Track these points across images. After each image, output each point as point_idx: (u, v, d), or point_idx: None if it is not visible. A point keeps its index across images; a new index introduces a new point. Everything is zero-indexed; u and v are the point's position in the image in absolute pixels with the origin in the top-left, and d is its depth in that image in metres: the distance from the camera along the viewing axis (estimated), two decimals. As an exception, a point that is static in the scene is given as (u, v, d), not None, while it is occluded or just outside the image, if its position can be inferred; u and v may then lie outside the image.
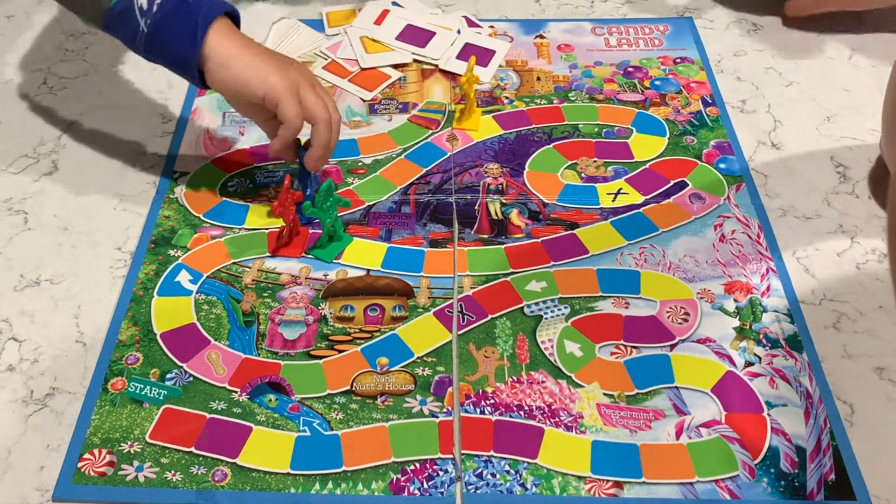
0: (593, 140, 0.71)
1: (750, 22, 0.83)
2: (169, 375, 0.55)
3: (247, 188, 0.67)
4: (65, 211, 0.65)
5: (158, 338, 0.57)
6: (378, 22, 0.81)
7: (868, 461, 0.50)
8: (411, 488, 0.49)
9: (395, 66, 0.78)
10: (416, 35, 0.80)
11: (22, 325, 0.58)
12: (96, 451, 0.51)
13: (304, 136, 0.71)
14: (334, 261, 0.61)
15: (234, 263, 0.61)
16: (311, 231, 0.63)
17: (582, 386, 0.54)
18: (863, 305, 0.59)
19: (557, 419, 0.52)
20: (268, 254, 0.61)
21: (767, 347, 0.56)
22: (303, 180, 0.63)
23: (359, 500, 0.49)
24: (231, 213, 0.65)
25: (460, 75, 0.76)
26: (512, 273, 0.60)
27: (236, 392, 0.54)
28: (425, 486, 0.49)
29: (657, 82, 0.76)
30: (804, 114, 0.73)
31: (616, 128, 0.72)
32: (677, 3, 0.85)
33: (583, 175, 0.68)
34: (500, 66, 0.77)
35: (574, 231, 0.63)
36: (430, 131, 0.72)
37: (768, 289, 0.59)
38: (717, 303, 0.58)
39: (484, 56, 0.78)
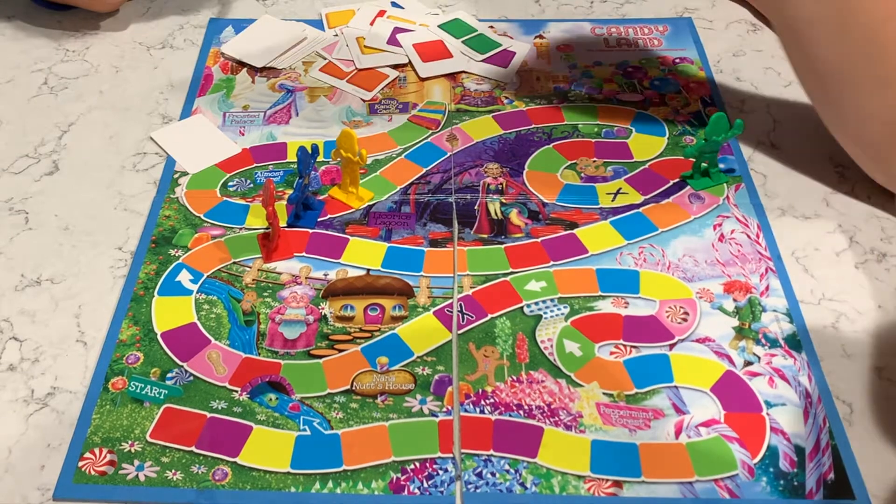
0: (593, 140, 0.71)
1: (749, 22, 0.83)
2: (169, 375, 0.55)
3: (247, 188, 0.67)
4: (65, 211, 0.65)
5: (159, 337, 0.57)
6: (373, 23, 0.82)
7: (867, 461, 0.51)
8: (411, 487, 0.49)
9: (395, 67, 0.78)
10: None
11: (23, 325, 0.58)
12: (97, 451, 0.51)
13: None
14: (336, 261, 0.61)
15: (234, 263, 0.61)
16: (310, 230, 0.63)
17: (581, 385, 0.54)
18: (862, 305, 0.59)
19: (557, 418, 0.52)
20: (264, 259, 0.62)
21: (766, 347, 0.56)
22: (302, 179, 0.63)
23: (359, 499, 0.49)
24: (231, 212, 0.65)
25: (461, 73, 0.76)
26: (512, 273, 0.61)
27: (237, 391, 0.54)
28: (425, 485, 0.49)
29: (656, 82, 0.76)
30: (803, 114, 0.73)
31: (616, 128, 0.72)
32: (676, 4, 0.85)
33: (582, 175, 0.68)
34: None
35: (573, 231, 0.63)
36: (430, 131, 0.72)
37: (767, 288, 0.59)
38: (717, 302, 0.59)
39: (504, 58, 0.78)
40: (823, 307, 0.59)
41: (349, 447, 0.51)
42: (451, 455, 0.51)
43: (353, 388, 0.54)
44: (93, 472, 0.50)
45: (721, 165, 0.67)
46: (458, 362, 0.55)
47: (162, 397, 0.53)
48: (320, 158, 0.68)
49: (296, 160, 0.66)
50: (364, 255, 0.62)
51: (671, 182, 0.67)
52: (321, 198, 0.66)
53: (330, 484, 0.49)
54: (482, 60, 0.78)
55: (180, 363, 0.55)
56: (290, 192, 0.65)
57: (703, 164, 0.65)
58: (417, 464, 0.50)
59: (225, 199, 0.66)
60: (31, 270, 0.61)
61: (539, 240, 0.63)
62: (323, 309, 0.58)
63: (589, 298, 0.59)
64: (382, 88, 0.76)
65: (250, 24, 0.82)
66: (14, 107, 0.75)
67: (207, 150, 0.70)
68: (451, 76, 0.77)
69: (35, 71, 0.78)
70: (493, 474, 0.50)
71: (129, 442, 0.51)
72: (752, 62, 0.78)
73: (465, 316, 0.58)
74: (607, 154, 0.69)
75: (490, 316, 0.58)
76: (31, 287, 0.60)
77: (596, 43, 0.80)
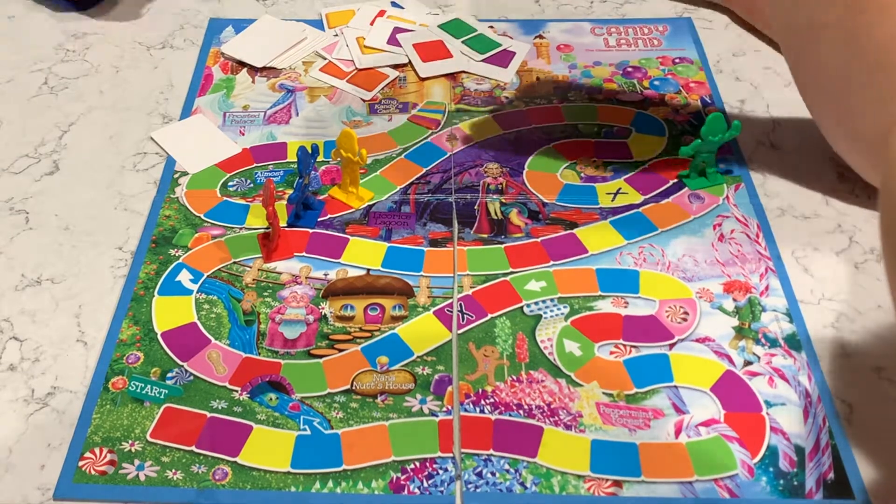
0: (593, 140, 0.71)
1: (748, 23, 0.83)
2: (169, 374, 0.55)
3: (247, 188, 0.67)
4: (66, 211, 0.65)
5: (159, 337, 0.57)
6: (373, 23, 0.82)
7: (867, 460, 0.51)
8: (411, 487, 0.49)
9: (395, 67, 0.78)
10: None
11: (23, 325, 0.58)
12: (97, 450, 0.51)
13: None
14: (338, 260, 0.61)
15: (234, 263, 0.61)
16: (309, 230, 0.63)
17: (581, 385, 0.54)
18: (861, 305, 0.59)
19: (557, 418, 0.52)
20: (264, 259, 0.62)
21: (766, 347, 0.56)
22: (302, 179, 0.63)
23: (359, 498, 0.49)
24: (231, 212, 0.65)
25: (460, 72, 0.77)
26: (511, 272, 0.61)
27: (237, 391, 0.54)
28: (425, 484, 0.49)
29: (656, 82, 0.76)
30: (803, 114, 0.73)
31: (615, 128, 0.72)
32: (676, 3, 0.85)
33: (582, 175, 0.68)
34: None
35: (573, 231, 0.63)
36: (430, 131, 0.72)
37: (767, 288, 0.59)
38: (716, 302, 0.59)
39: (504, 58, 0.78)
40: (823, 307, 0.59)
41: (349, 447, 0.51)
42: (451, 455, 0.51)
43: (353, 387, 0.54)
44: (93, 472, 0.50)
45: (721, 166, 0.67)
46: (458, 362, 0.55)
47: (162, 397, 0.54)
48: (320, 158, 0.68)
49: (296, 160, 0.66)
50: (364, 254, 0.62)
51: (671, 182, 0.67)
52: (321, 198, 0.66)
53: (330, 483, 0.50)
54: (482, 60, 0.78)
55: (180, 363, 0.55)
56: (290, 192, 0.65)
57: (701, 164, 0.66)
58: (417, 463, 0.50)
59: (225, 198, 0.66)
60: (32, 270, 0.61)
61: (539, 240, 0.63)
62: (323, 309, 0.58)
63: (589, 298, 0.59)
64: (382, 88, 0.76)
65: (250, 24, 0.82)
66: (14, 107, 0.75)
67: (207, 150, 0.70)
68: (451, 76, 0.77)
69: (35, 71, 0.78)
70: (493, 474, 0.50)
71: (130, 441, 0.51)
72: (752, 62, 0.78)
73: (465, 316, 0.58)
74: (607, 154, 0.69)
75: (490, 316, 0.58)
76: (31, 287, 0.60)
77: (596, 43, 0.80)
